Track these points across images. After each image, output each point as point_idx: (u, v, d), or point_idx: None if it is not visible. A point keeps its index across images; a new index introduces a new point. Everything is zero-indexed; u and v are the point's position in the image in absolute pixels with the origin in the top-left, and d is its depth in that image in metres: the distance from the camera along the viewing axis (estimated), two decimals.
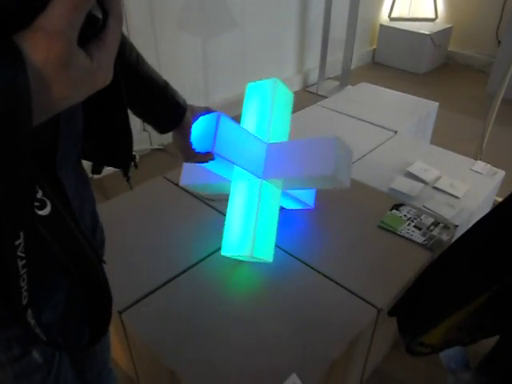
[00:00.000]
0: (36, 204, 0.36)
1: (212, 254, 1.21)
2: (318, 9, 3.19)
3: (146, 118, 0.87)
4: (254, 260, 1.11)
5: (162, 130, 0.89)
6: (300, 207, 1.33)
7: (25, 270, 0.37)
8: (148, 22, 2.25)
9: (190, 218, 1.32)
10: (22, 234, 0.34)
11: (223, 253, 1.11)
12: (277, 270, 1.16)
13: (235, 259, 1.15)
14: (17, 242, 0.34)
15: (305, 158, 1.07)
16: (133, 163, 0.68)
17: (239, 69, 2.93)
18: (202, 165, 1.02)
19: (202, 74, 2.68)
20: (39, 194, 0.36)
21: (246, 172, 1.07)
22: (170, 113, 0.87)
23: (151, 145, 2.54)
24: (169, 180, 1.50)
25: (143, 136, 2.51)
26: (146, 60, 0.82)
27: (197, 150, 0.93)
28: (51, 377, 0.55)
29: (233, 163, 1.01)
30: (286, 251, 1.22)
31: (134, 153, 0.65)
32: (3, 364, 0.49)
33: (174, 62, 2.49)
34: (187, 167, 1.28)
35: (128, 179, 0.72)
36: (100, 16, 0.33)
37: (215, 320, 1.03)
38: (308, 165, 1.05)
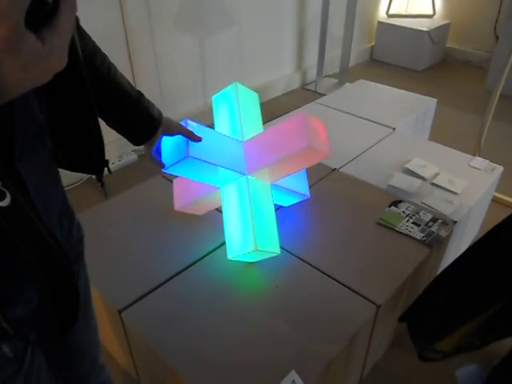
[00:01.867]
0: None
1: (212, 252, 1.22)
2: (316, 7, 3.19)
3: (118, 129, 0.86)
4: (262, 256, 1.12)
5: (136, 142, 0.89)
6: (297, 199, 1.33)
7: None
8: (145, 22, 2.25)
9: (189, 216, 1.32)
10: None
11: (230, 257, 1.11)
12: (275, 267, 1.16)
13: (241, 261, 1.16)
14: None
15: (279, 141, 1.09)
16: (106, 169, 0.68)
17: (237, 68, 2.92)
18: (188, 177, 1.06)
19: (199, 73, 2.68)
20: None
21: (229, 172, 1.08)
22: (143, 126, 0.87)
23: None
24: (167, 179, 1.50)
25: None
26: (117, 71, 0.81)
27: (164, 169, 0.98)
28: (22, 372, 0.54)
29: (213, 164, 1.02)
30: (283, 248, 1.22)
31: (106, 158, 0.66)
32: None
33: (171, 62, 2.49)
34: (177, 190, 1.30)
35: (102, 185, 0.72)
36: (49, 0, 0.33)
37: (215, 318, 1.03)
38: (284, 146, 1.07)
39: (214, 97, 1.27)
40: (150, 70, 2.40)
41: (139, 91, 0.85)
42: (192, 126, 1.00)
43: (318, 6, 3.11)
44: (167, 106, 2.56)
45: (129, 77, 2.33)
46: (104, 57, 0.76)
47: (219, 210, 1.34)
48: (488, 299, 0.84)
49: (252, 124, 1.22)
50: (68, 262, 0.46)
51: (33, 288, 0.55)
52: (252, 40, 2.92)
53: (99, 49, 0.75)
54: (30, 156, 0.49)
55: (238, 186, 1.13)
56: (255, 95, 1.30)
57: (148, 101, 0.87)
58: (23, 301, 0.53)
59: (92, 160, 0.63)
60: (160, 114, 0.90)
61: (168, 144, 1.01)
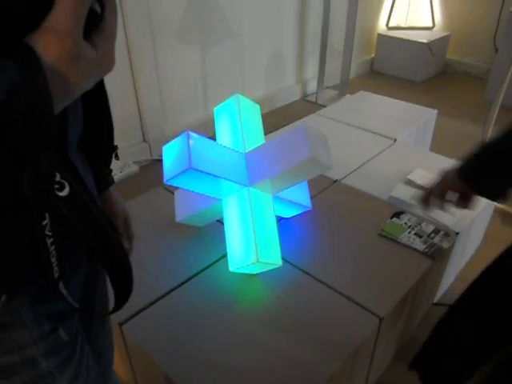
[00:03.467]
0: (56, 186, 0.40)
1: (213, 264, 1.21)
2: (316, 19, 3.22)
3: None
4: (264, 267, 1.11)
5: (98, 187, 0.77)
6: (298, 211, 1.33)
7: (53, 247, 0.42)
8: (147, 34, 2.26)
9: (190, 229, 1.32)
10: (47, 214, 0.39)
11: (232, 269, 1.10)
12: (276, 279, 1.16)
13: (243, 273, 1.15)
14: (44, 222, 0.39)
15: (281, 152, 1.09)
16: (114, 154, 0.71)
17: (238, 80, 2.94)
18: (189, 188, 1.06)
19: (201, 85, 2.69)
20: (57, 177, 0.40)
21: (231, 183, 1.08)
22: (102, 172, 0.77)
23: (151, 156, 2.54)
24: (169, 190, 1.50)
25: (143, 147, 2.52)
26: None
27: (165, 181, 0.98)
28: (75, 357, 0.58)
29: (214, 176, 1.02)
30: (285, 259, 1.21)
31: (115, 144, 0.69)
32: (36, 340, 0.52)
33: (173, 74, 2.51)
34: (178, 202, 1.30)
35: (110, 172, 0.74)
36: (98, 10, 0.37)
37: (216, 331, 1.02)
38: (286, 157, 1.07)
39: (215, 109, 1.27)
40: (152, 82, 2.41)
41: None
42: (193, 137, 1.00)
43: (319, 19, 3.14)
44: (169, 118, 2.57)
45: (130, 88, 2.34)
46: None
47: (221, 222, 1.34)
48: (502, 339, 0.77)
49: (254, 135, 1.22)
50: (120, 240, 0.49)
51: (81, 273, 0.60)
52: (253, 52, 2.95)
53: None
54: (73, 148, 0.53)
55: (239, 197, 1.13)
56: (257, 107, 1.30)
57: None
58: (74, 287, 0.57)
59: (103, 146, 0.67)
60: (113, 179, 0.79)
61: (169, 155, 1.00)
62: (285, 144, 1.10)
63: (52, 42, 0.33)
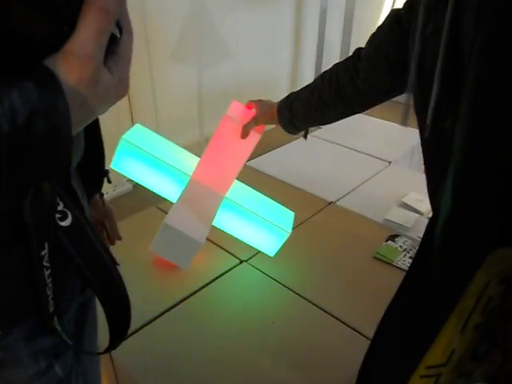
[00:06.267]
0: (58, 216, 0.39)
1: (205, 286, 1.19)
2: (312, 39, 3.26)
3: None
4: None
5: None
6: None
7: (50, 280, 0.40)
8: (143, 53, 2.28)
9: None
10: (46, 244, 0.38)
11: (273, 255, 1.18)
12: (271, 303, 1.14)
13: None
14: (42, 253, 0.38)
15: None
16: (106, 178, 0.71)
17: (234, 98, 2.96)
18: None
19: (196, 104, 2.70)
20: (60, 206, 0.39)
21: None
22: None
23: None
24: (162, 210, 1.48)
25: None
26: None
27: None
28: None
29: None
30: (280, 282, 1.19)
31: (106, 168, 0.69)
32: (31, 379, 0.50)
33: (168, 93, 2.51)
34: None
35: (101, 196, 0.73)
36: (117, 34, 0.36)
37: (208, 356, 0.99)
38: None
39: (113, 163, 1.10)
40: (147, 101, 2.41)
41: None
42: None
43: (314, 39, 3.18)
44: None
45: (125, 107, 2.34)
46: None
47: (213, 242, 1.32)
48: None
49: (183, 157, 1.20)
50: (119, 276, 0.48)
51: (74, 305, 0.56)
52: (248, 70, 2.97)
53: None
54: (73, 171, 0.52)
55: None
56: (139, 127, 1.19)
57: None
58: (67, 318, 0.54)
59: (94, 171, 0.66)
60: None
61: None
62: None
63: (74, 66, 0.32)
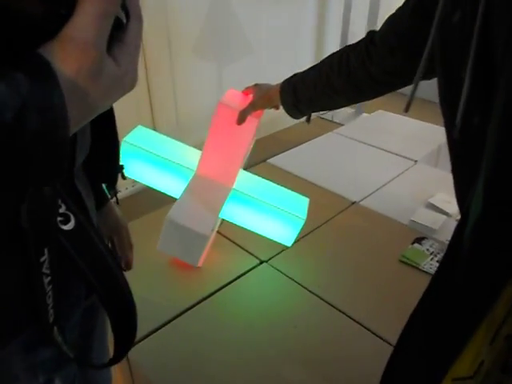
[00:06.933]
0: (60, 219, 0.36)
1: (223, 287, 1.15)
2: (335, 36, 3.20)
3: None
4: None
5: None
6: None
7: (50, 287, 0.37)
8: (165, 48, 2.26)
9: None
10: (46, 250, 0.35)
11: (289, 244, 1.17)
12: (292, 305, 1.10)
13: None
14: (42, 259, 0.35)
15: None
16: (120, 174, 0.67)
17: None
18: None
19: (216, 100, 2.66)
20: (62, 209, 0.36)
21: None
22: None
23: None
24: None
25: None
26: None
27: None
28: None
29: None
30: (301, 285, 1.15)
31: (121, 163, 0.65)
32: None
33: (189, 89, 2.49)
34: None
35: (115, 192, 0.70)
36: (123, 19, 0.31)
37: (227, 360, 0.96)
38: None
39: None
40: (168, 98, 2.39)
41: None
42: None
43: (337, 37, 3.12)
44: (183, 133, 2.55)
45: (146, 102, 2.32)
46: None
47: (228, 238, 1.30)
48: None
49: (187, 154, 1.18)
50: (126, 282, 0.45)
51: (78, 313, 0.53)
52: (271, 67, 2.92)
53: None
54: (79, 169, 0.48)
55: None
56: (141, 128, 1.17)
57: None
58: (71, 326, 0.51)
59: (108, 166, 0.63)
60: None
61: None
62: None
63: (71, 54, 0.28)
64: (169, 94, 2.39)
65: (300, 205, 1.16)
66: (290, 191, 1.19)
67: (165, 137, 1.15)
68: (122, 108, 0.73)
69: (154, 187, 1.12)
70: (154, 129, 2.41)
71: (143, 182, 1.11)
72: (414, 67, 0.77)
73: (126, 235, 0.75)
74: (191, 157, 1.13)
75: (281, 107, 1.00)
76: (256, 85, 1.05)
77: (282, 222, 1.13)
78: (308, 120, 1.05)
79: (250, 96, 1.04)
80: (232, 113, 1.00)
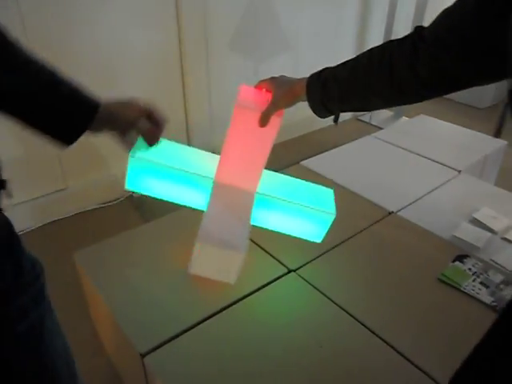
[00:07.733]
0: None
1: (248, 295, 1.10)
2: (377, 37, 3.08)
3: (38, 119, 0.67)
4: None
5: (64, 136, 0.69)
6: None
7: None
8: (201, 46, 2.22)
9: None
10: None
11: (320, 240, 1.12)
12: (318, 322, 1.03)
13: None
14: None
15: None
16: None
17: None
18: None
19: None
20: None
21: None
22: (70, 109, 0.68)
23: None
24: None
25: None
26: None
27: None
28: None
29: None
30: (329, 298, 1.08)
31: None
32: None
33: (223, 85, 2.44)
34: None
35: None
36: None
37: (249, 375, 0.91)
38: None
39: (127, 184, 1.01)
40: (202, 93, 2.35)
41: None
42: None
43: (380, 37, 3.00)
44: (215, 131, 2.50)
45: (179, 99, 2.29)
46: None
47: (255, 243, 1.23)
48: None
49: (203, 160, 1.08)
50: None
51: None
52: (308, 66, 2.84)
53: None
54: None
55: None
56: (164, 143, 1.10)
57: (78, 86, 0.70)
58: None
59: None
60: (96, 100, 0.71)
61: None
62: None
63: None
64: (203, 89, 2.35)
65: (326, 198, 1.11)
66: (312, 184, 1.14)
67: (175, 143, 1.06)
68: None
69: (171, 200, 1.04)
70: (186, 123, 2.38)
71: (157, 197, 1.03)
72: (471, 69, 0.68)
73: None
74: (207, 163, 1.04)
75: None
76: (273, 78, 0.94)
77: (310, 220, 1.08)
78: (336, 120, 0.94)
79: (265, 92, 0.94)
80: (251, 115, 0.91)
